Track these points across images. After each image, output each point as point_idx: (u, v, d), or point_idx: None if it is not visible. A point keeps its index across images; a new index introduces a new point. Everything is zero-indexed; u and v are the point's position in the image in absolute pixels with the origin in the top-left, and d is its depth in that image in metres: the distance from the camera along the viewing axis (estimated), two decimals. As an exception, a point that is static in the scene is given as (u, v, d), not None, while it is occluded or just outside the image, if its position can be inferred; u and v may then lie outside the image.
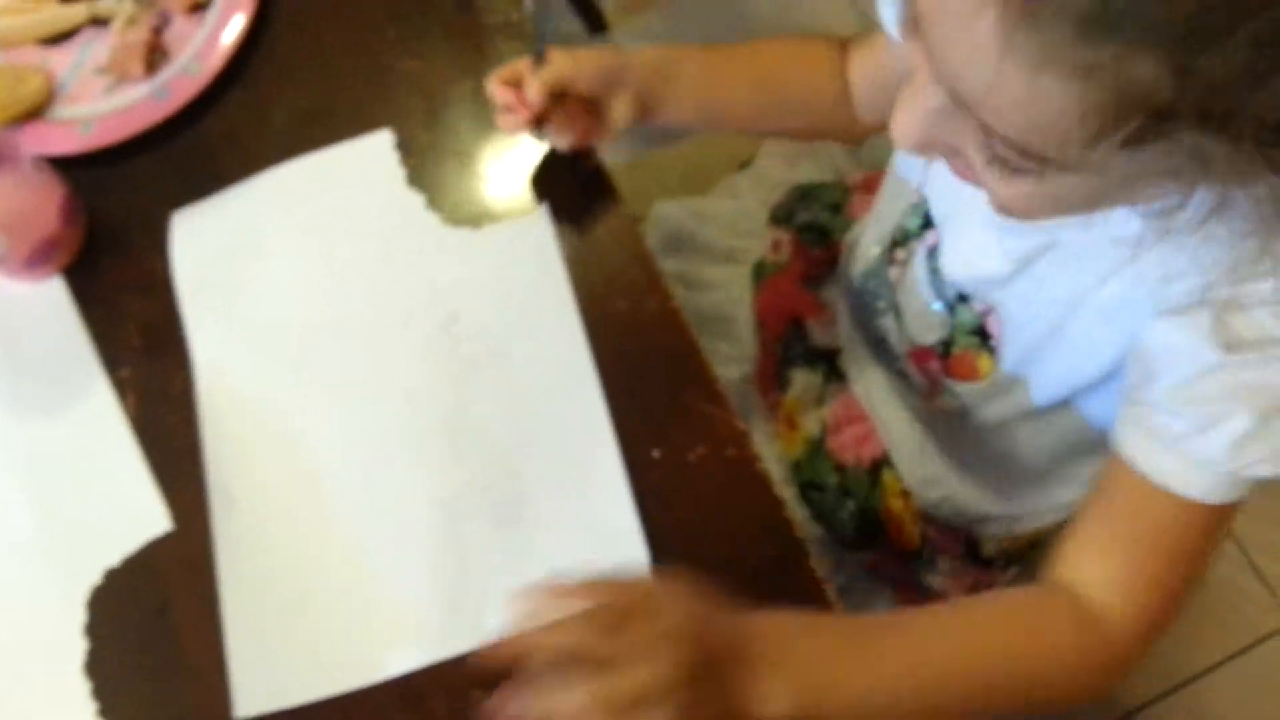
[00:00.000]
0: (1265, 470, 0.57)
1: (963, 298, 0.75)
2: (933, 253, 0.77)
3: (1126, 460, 0.61)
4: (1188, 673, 1.41)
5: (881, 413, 0.92)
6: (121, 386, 0.82)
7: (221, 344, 0.82)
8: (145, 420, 0.81)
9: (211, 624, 0.74)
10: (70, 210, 0.84)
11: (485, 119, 0.86)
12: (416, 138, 0.87)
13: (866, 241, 0.87)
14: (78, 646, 0.75)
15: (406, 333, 0.80)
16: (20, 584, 0.77)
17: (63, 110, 0.89)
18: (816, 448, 0.93)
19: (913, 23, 0.47)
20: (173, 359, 0.82)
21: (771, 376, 0.97)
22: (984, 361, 0.77)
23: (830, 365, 0.95)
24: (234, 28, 0.90)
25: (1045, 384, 0.72)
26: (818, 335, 0.96)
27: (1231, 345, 0.55)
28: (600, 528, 0.73)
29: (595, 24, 1.79)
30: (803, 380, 0.95)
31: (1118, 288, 0.61)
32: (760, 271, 1.01)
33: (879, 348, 0.88)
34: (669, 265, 1.02)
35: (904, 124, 0.51)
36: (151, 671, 0.74)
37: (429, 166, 0.86)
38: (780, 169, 1.08)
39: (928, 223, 0.77)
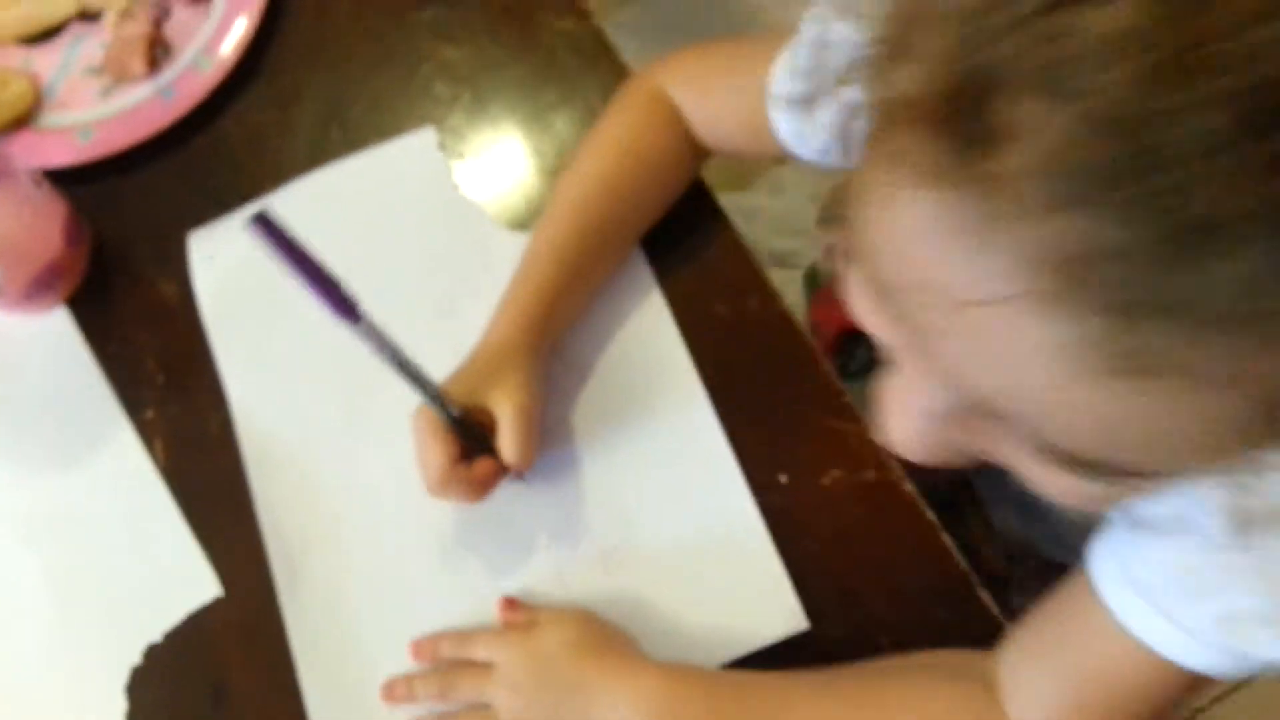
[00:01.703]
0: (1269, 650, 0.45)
1: None
2: None
3: (1094, 583, 0.49)
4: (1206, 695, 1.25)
5: None
6: (146, 431, 0.71)
7: (258, 378, 0.71)
8: (177, 468, 0.70)
9: (280, 705, 0.64)
10: (73, 230, 0.73)
11: (538, 107, 0.77)
12: (462, 133, 0.77)
13: None
14: (121, 742, 0.64)
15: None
16: (47, 670, 0.66)
17: (53, 117, 0.78)
18: None
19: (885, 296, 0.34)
20: (204, 396, 0.71)
21: None
22: None
23: None
24: (246, 15, 0.79)
25: None
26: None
27: (1243, 524, 0.43)
28: (730, 562, 0.63)
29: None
30: (860, 393, 0.86)
31: None
32: (814, 279, 0.92)
33: None
34: None
35: (902, 434, 0.37)
36: (212, 766, 0.64)
37: (480, 166, 0.76)
38: None
39: None
